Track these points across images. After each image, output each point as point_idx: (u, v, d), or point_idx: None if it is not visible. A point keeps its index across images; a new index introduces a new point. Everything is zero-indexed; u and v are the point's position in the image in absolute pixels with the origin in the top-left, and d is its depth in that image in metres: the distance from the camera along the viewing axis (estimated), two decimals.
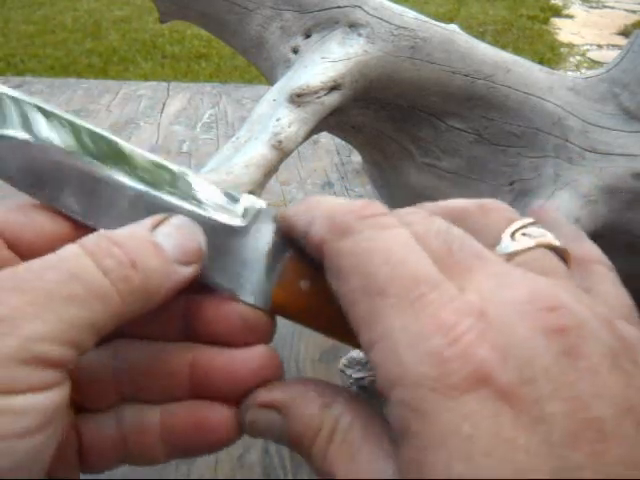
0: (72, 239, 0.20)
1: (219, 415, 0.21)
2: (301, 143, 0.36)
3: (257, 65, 0.44)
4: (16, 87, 0.84)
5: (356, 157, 0.63)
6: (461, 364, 0.14)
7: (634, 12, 3.60)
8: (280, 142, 0.35)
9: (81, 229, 0.21)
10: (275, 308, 0.21)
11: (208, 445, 0.21)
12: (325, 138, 0.70)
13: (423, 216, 0.19)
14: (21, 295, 0.18)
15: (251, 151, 0.35)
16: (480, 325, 0.15)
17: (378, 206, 0.18)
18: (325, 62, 0.37)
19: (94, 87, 0.86)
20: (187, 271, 0.20)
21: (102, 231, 0.20)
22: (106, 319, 0.18)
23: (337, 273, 0.17)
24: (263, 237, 0.21)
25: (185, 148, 0.69)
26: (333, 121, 0.41)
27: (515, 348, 0.15)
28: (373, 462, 0.16)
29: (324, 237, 0.18)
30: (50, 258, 0.19)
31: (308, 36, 0.40)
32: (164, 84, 0.89)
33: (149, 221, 0.21)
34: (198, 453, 0.22)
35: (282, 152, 0.35)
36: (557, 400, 0.14)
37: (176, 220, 0.21)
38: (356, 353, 0.34)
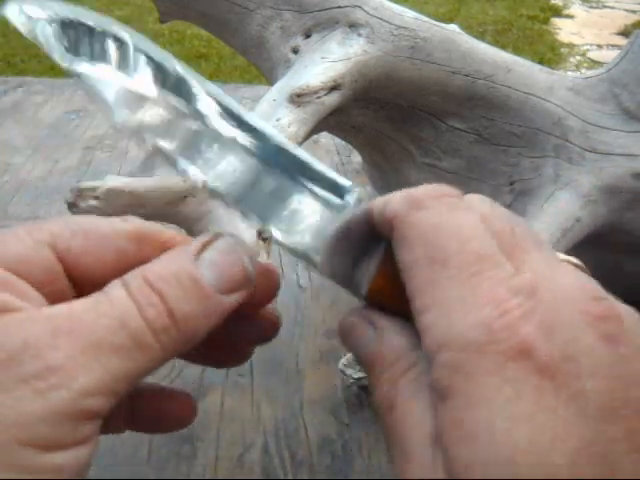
0: (124, 266, 0.21)
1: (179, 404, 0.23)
2: (301, 143, 0.36)
3: (257, 65, 0.44)
4: (16, 87, 0.84)
5: (356, 157, 0.63)
6: (507, 335, 0.15)
7: (634, 12, 3.60)
8: None
9: (130, 256, 0.22)
10: (371, 294, 0.20)
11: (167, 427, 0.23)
12: (325, 138, 0.70)
13: (489, 202, 0.20)
14: (76, 341, 0.18)
15: None
16: (530, 303, 0.16)
17: (451, 189, 0.19)
18: (325, 62, 0.37)
19: None
20: (231, 300, 0.20)
21: (145, 269, 0.20)
22: (146, 367, 0.19)
23: (403, 242, 0.18)
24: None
25: None
26: (333, 121, 0.41)
27: (560, 327, 0.16)
28: (424, 411, 0.17)
29: (397, 211, 0.18)
30: (103, 301, 0.19)
31: (308, 36, 0.40)
32: None
33: (194, 247, 0.20)
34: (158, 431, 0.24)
35: None
36: (597, 378, 0.15)
37: (223, 243, 0.21)
38: None
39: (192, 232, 0.33)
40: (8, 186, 0.59)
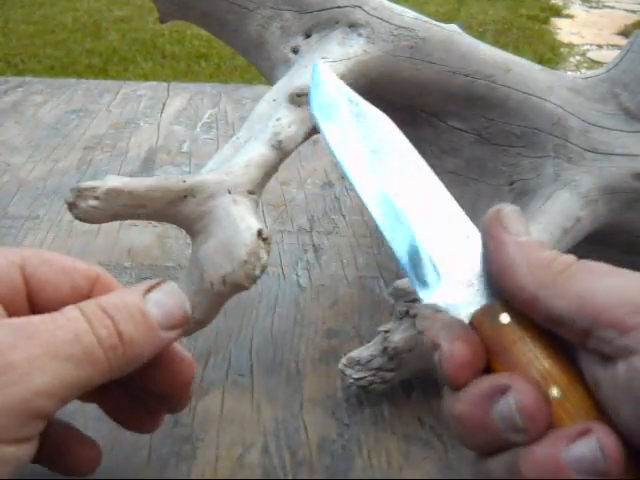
0: (77, 296, 0.24)
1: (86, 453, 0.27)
2: (301, 143, 0.36)
3: (257, 65, 0.44)
4: (16, 87, 0.84)
5: None
6: None
7: (634, 12, 3.59)
8: (280, 142, 0.35)
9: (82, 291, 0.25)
10: (472, 325, 0.23)
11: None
12: None
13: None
14: (35, 346, 0.20)
15: (251, 151, 0.35)
16: None
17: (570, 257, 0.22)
18: (325, 62, 0.37)
19: (94, 87, 0.86)
20: (170, 335, 0.23)
21: (98, 299, 0.23)
22: (93, 379, 0.21)
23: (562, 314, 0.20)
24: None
25: (185, 148, 0.69)
26: None
27: None
28: None
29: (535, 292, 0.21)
30: (59, 318, 0.21)
31: (308, 36, 0.40)
32: (164, 84, 0.88)
33: (144, 286, 0.24)
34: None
35: (282, 152, 0.35)
36: None
37: (167, 287, 0.24)
38: (356, 353, 0.34)
39: (192, 232, 0.33)
40: (8, 186, 0.59)
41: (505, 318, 0.22)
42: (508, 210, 0.23)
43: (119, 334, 0.22)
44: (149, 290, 0.24)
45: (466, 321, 0.23)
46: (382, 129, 0.28)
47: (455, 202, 0.26)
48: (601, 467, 0.18)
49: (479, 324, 0.23)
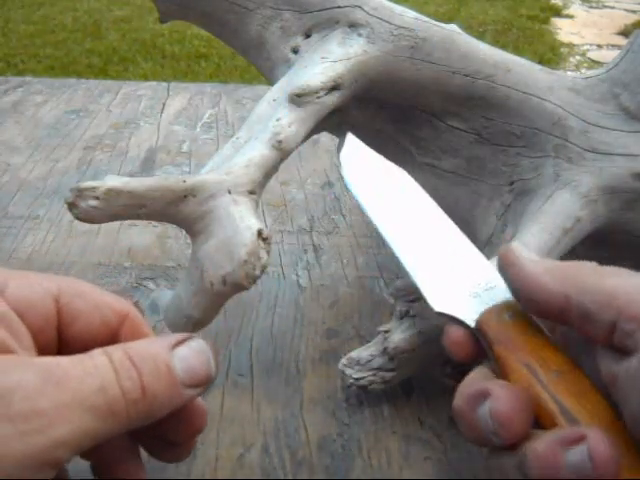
0: (103, 337, 0.24)
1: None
2: (301, 143, 0.36)
3: (257, 65, 0.44)
4: (16, 87, 0.84)
5: None
6: None
7: (634, 12, 3.59)
8: (280, 142, 0.35)
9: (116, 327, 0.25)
10: (479, 327, 0.26)
11: None
12: (325, 138, 0.70)
13: None
14: (62, 393, 0.20)
15: (251, 151, 0.35)
16: None
17: None
18: (325, 62, 0.37)
19: (94, 87, 0.86)
20: (192, 393, 0.23)
21: (126, 346, 0.22)
22: (111, 431, 0.21)
23: None
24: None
25: (185, 148, 0.69)
26: (333, 121, 0.41)
27: None
28: None
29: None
30: (88, 363, 0.21)
31: (308, 36, 0.40)
32: (164, 84, 0.88)
33: (172, 340, 0.23)
34: None
35: (282, 152, 0.35)
36: None
37: (195, 344, 0.24)
38: (356, 353, 0.34)
39: (192, 232, 0.33)
40: (8, 186, 0.59)
41: (509, 316, 0.25)
42: (514, 245, 0.26)
43: (143, 388, 0.21)
44: (177, 345, 0.23)
45: (472, 324, 0.26)
46: (411, 191, 0.32)
47: (466, 238, 0.30)
48: (589, 474, 0.20)
49: (485, 323, 0.25)
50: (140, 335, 0.25)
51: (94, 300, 0.25)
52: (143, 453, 0.28)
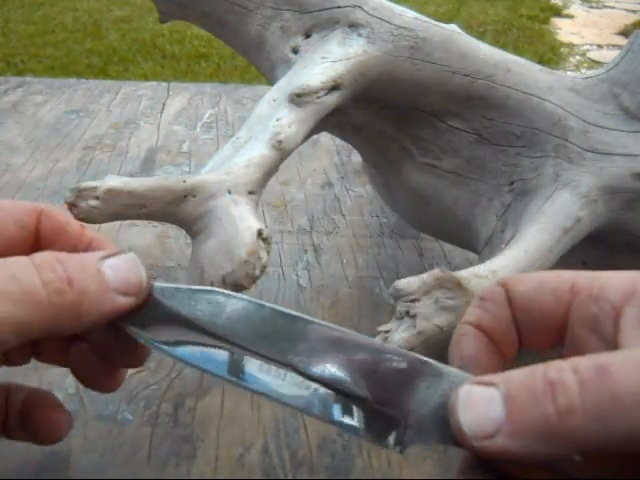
0: (23, 239, 0.24)
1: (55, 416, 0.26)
2: (301, 143, 0.36)
3: (257, 65, 0.44)
4: (16, 87, 0.84)
5: (356, 157, 0.63)
6: None
7: (634, 12, 3.60)
8: (280, 142, 0.35)
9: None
10: None
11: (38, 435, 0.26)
12: (325, 138, 0.70)
13: None
14: None
15: (251, 151, 0.35)
16: None
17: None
18: (325, 62, 0.37)
19: (94, 87, 0.86)
20: (124, 301, 0.23)
21: (53, 252, 0.22)
22: (32, 323, 0.20)
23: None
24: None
25: (185, 148, 0.69)
26: (333, 121, 0.41)
27: None
28: None
29: None
30: (4, 261, 0.21)
31: (308, 36, 0.40)
32: (164, 84, 0.88)
33: (102, 252, 0.23)
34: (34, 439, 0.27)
35: (282, 152, 0.35)
36: None
37: (125, 255, 0.24)
38: None
39: (192, 232, 0.33)
40: (8, 186, 0.59)
41: None
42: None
43: (69, 280, 0.21)
44: (107, 256, 0.23)
45: None
46: None
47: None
48: None
49: None
50: (59, 226, 0.25)
51: (3, 206, 0.25)
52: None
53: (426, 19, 0.40)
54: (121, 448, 0.32)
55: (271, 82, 0.41)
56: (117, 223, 0.52)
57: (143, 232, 0.52)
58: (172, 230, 0.52)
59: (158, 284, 0.24)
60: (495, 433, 0.18)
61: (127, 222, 0.52)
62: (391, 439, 0.22)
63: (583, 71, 2.65)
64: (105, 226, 0.52)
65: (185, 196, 0.32)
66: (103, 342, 0.26)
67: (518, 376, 0.19)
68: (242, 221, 0.32)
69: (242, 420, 0.34)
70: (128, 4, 3.34)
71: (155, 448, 0.32)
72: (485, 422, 0.19)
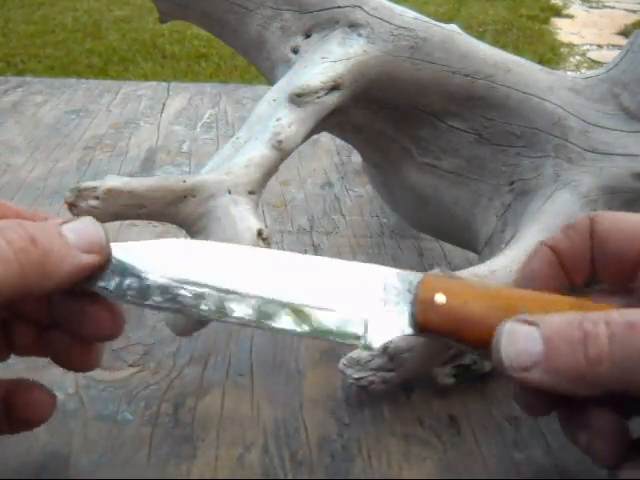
0: None
1: (39, 396, 0.27)
2: (301, 143, 0.36)
3: (257, 65, 0.44)
4: (16, 87, 0.84)
5: (356, 157, 0.63)
6: None
7: (634, 12, 3.60)
8: (280, 142, 0.35)
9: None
10: (421, 329, 0.24)
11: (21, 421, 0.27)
12: (325, 138, 0.70)
13: None
14: None
15: (251, 151, 0.35)
16: None
17: None
18: (325, 62, 0.37)
19: (94, 87, 0.86)
20: (89, 259, 0.24)
21: (15, 219, 0.23)
22: (2, 280, 0.21)
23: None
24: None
25: (185, 148, 0.69)
26: (333, 121, 0.41)
27: None
28: None
29: None
30: None
31: (308, 36, 0.40)
32: (164, 84, 0.88)
33: (60, 219, 0.24)
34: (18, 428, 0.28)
35: (282, 152, 0.35)
36: None
37: (83, 219, 0.25)
38: (356, 353, 0.34)
39: (192, 232, 0.33)
40: (8, 186, 0.59)
41: (441, 298, 0.24)
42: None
43: (32, 239, 0.22)
44: (66, 222, 0.24)
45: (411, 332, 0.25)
46: None
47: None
48: None
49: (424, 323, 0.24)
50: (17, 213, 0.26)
51: None
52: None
53: (426, 19, 0.40)
54: (121, 448, 0.32)
55: (271, 82, 0.41)
56: (117, 223, 0.52)
57: (143, 232, 0.52)
58: (172, 230, 0.52)
59: (115, 243, 0.25)
60: (532, 367, 0.21)
61: (127, 222, 0.52)
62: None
63: (583, 71, 2.65)
64: (105, 226, 0.52)
65: (185, 196, 0.32)
66: (76, 318, 0.26)
67: (558, 321, 0.21)
68: (242, 221, 0.32)
69: (242, 420, 0.34)
70: (128, 4, 3.34)
71: (155, 448, 0.32)
72: (523, 356, 0.21)
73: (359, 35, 0.38)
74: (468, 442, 0.33)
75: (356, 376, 0.34)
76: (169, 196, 0.32)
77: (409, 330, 0.25)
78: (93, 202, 0.30)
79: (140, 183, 0.32)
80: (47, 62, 2.57)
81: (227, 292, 0.25)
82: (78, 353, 0.27)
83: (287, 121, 0.35)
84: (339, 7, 0.39)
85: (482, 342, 0.23)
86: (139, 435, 0.31)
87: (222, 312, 0.25)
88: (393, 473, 0.32)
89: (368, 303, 0.25)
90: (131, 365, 0.38)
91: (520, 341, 0.22)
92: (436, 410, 0.36)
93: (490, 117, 0.41)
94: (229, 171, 0.34)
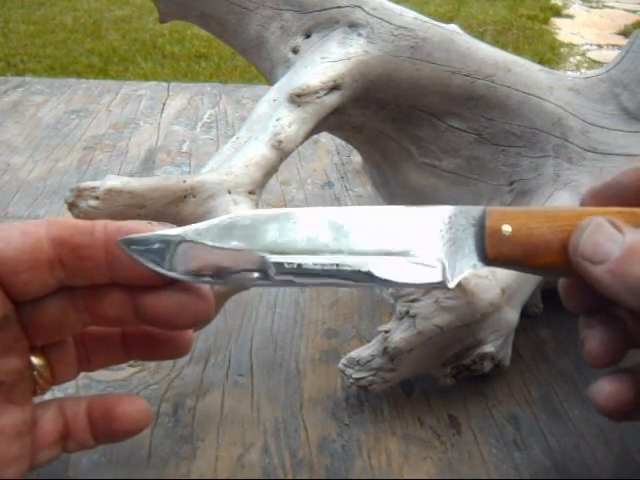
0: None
1: (130, 407, 0.26)
2: (301, 143, 0.36)
3: (257, 65, 0.44)
4: (16, 87, 0.84)
5: (356, 157, 0.63)
6: None
7: (634, 12, 3.60)
8: (280, 142, 0.35)
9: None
10: (491, 261, 0.24)
11: (123, 432, 0.27)
12: (325, 138, 0.70)
13: None
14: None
15: (251, 151, 0.35)
16: None
17: None
18: (325, 62, 0.37)
19: (94, 87, 0.86)
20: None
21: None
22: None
23: None
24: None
25: (185, 148, 0.69)
26: (333, 121, 0.41)
27: None
28: None
29: None
30: None
31: (308, 36, 0.40)
32: (164, 84, 0.88)
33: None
34: (116, 439, 0.27)
35: (282, 152, 0.35)
36: None
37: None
38: (356, 353, 0.34)
39: None
40: (8, 186, 0.59)
41: (507, 228, 0.24)
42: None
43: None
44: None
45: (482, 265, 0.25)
46: None
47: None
48: None
49: (493, 256, 0.25)
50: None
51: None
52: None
53: (426, 19, 0.40)
54: (121, 448, 0.32)
55: (271, 82, 0.41)
56: None
57: None
58: None
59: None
60: (599, 263, 0.22)
61: None
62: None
63: (583, 71, 2.65)
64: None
65: (185, 196, 0.32)
66: (172, 312, 0.25)
67: None
68: None
69: (242, 420, 0.34)
70: (128, 4, 3.35)
71: (155, 448, 0.32)
72: (598, 250, 0.22)
73: (359, 35, 0.38)
74: (468, 442, 0.33)
75: (356, 376, 0.34)
76: (169, 196, 0.32)
77: (479, 264, 0.25)
78: (93, 202, 0.30)
79: (140, 183, 0.32)
80: (47, 62, 2.57)
81: (314, 252, 0.24)
82: (170, 343, 0.27)
83: (287, 121, 0.35)
84: (339, 7, 0.39)
85: (550, 265, 0.24)
86: (139, 435, 0.31)
87: (330, 271, 0.24)
88: (393, 473, 0.32)
89: (439, 243, 0.25)
90: (131, 365, 0.38)
91: (602, 237, 0.23)
92: (436, 410, 0.36)
93: (490, 117, 0.41)
94: (229, 171, 0.34)
